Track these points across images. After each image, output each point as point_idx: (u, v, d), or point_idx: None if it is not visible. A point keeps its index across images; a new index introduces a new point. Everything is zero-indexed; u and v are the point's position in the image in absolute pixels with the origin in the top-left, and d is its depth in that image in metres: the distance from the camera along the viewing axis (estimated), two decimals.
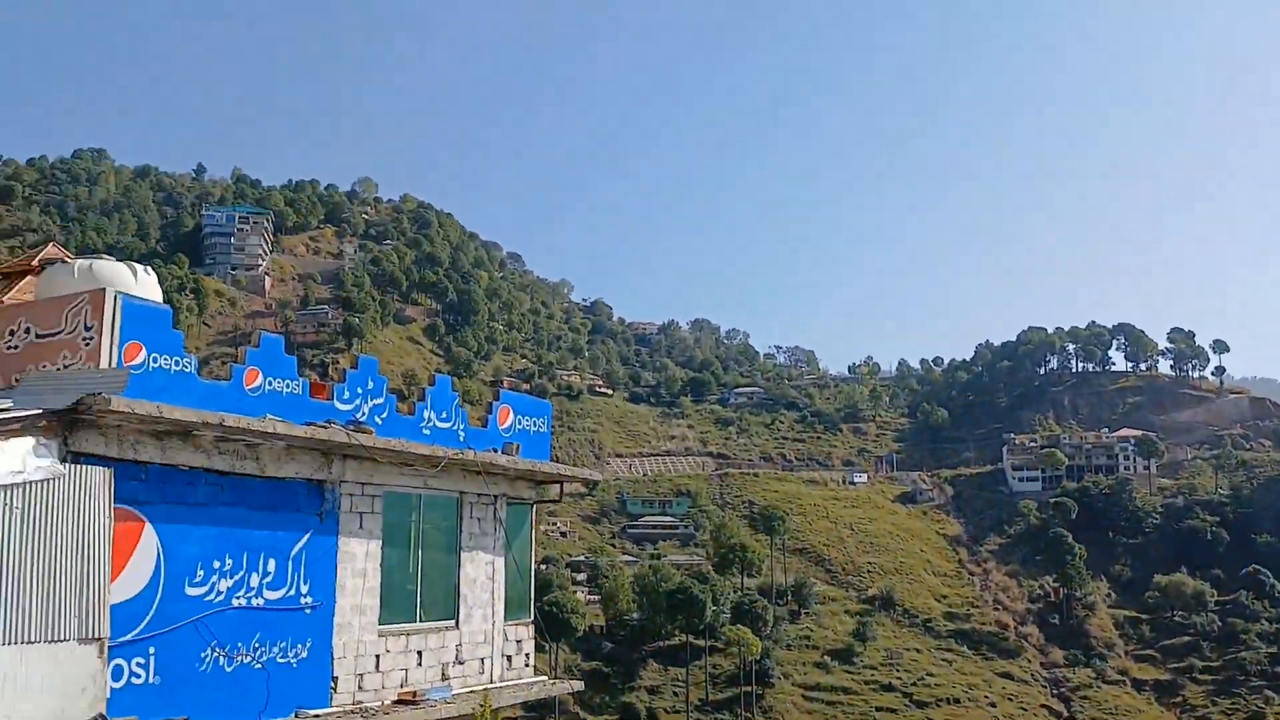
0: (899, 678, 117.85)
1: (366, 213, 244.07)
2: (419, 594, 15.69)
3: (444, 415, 16.62)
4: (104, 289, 11.61)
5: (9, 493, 9.94)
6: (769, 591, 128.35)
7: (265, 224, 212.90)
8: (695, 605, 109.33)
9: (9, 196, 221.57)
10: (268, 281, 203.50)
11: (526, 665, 18.03)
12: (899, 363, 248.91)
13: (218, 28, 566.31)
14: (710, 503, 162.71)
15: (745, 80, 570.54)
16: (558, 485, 20.42)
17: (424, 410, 16.36)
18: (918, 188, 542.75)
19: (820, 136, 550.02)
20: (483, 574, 17.07)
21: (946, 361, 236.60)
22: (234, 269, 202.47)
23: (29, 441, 10.34)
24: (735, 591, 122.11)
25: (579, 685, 19.40)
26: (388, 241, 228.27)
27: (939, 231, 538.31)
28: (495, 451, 17.04)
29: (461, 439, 16.72)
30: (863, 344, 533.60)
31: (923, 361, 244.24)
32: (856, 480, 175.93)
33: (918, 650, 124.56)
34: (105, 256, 13.88)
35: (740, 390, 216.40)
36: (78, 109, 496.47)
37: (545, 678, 18.68)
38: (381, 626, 14.71)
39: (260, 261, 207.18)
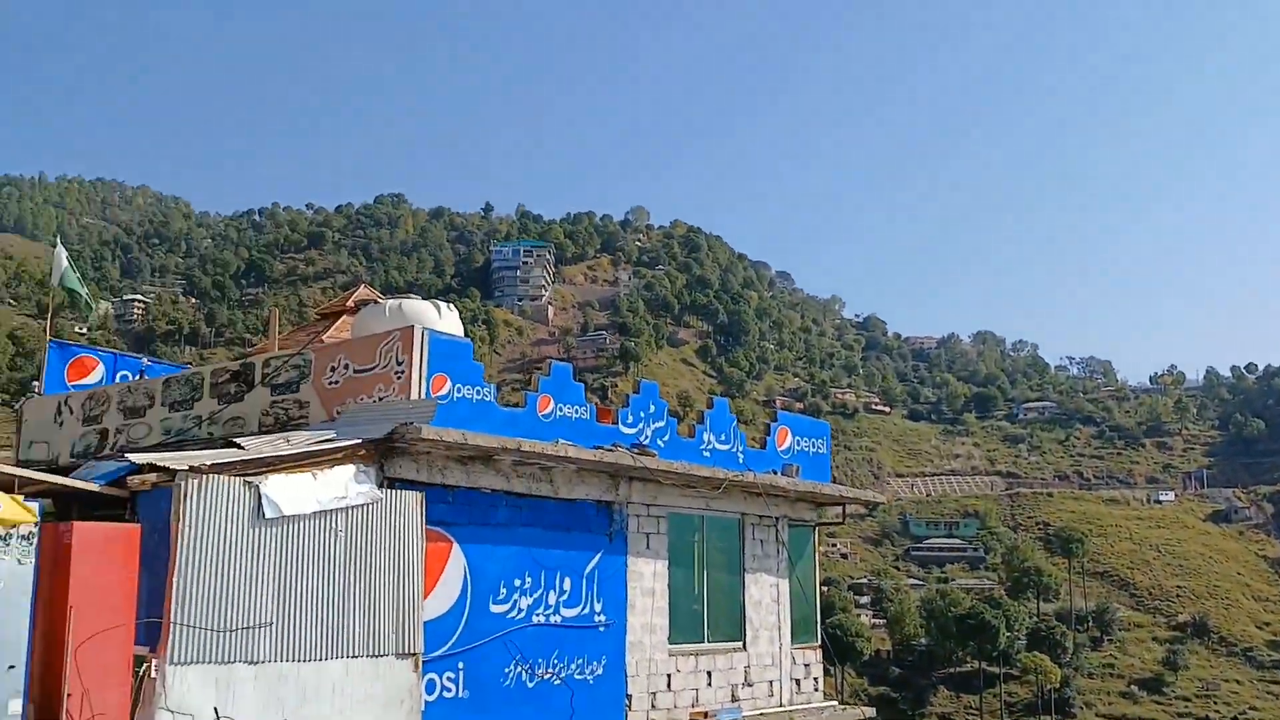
0: (1217, 710, 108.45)
1: (640, 240, 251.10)
2: (705, 614, 15.85)
3: (723, 437, 16.77)
4: (412, 326, 12.48)
5: (334, 517, 10.84)
6: (1068, 617, 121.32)
7: (547, 256, 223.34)
8: (988, 631, 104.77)
9: (320, 242, 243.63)
10: (550, 310, 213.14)
11: (816, 690, 17.84)
12: (1207, 371, 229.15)
13: (501, 78, 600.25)
14: (1000, 524, 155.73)
15: (1056, 88, 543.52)
16: (839, 507, 20.15)
17: (703, 432, 16.58)
18: (1239, 185, 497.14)
19: (1141, 139, 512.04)
20: (767, 596, 17.05)
21: (1261, 368, 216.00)
22: (520, 300, 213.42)
23: (350, 469, 11.23)
24: (1031, 617, 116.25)
25: (870, 712, 18.95)
26: (660, 267, 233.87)
27: (1251, 229, 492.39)
28: (775, 473, 17.01)
29: (741, 461, 16.80)
30: (1164, 352, 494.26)
31: (1234, 369, 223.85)
32: (1163, 499, 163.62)
33: (1238, 681, 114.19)
34: (412, 296, 14.94)
35: (1030, 405, 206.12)
36: (379, 158, 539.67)
37: (835, 702, 18.40)
38: (671, 646, 14.95)
39: (544, 292, 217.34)
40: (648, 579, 14.72)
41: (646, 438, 15.03)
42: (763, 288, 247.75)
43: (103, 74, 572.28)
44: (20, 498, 8.98)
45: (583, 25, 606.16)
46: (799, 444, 18.40)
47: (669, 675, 14.88)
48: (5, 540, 8.63)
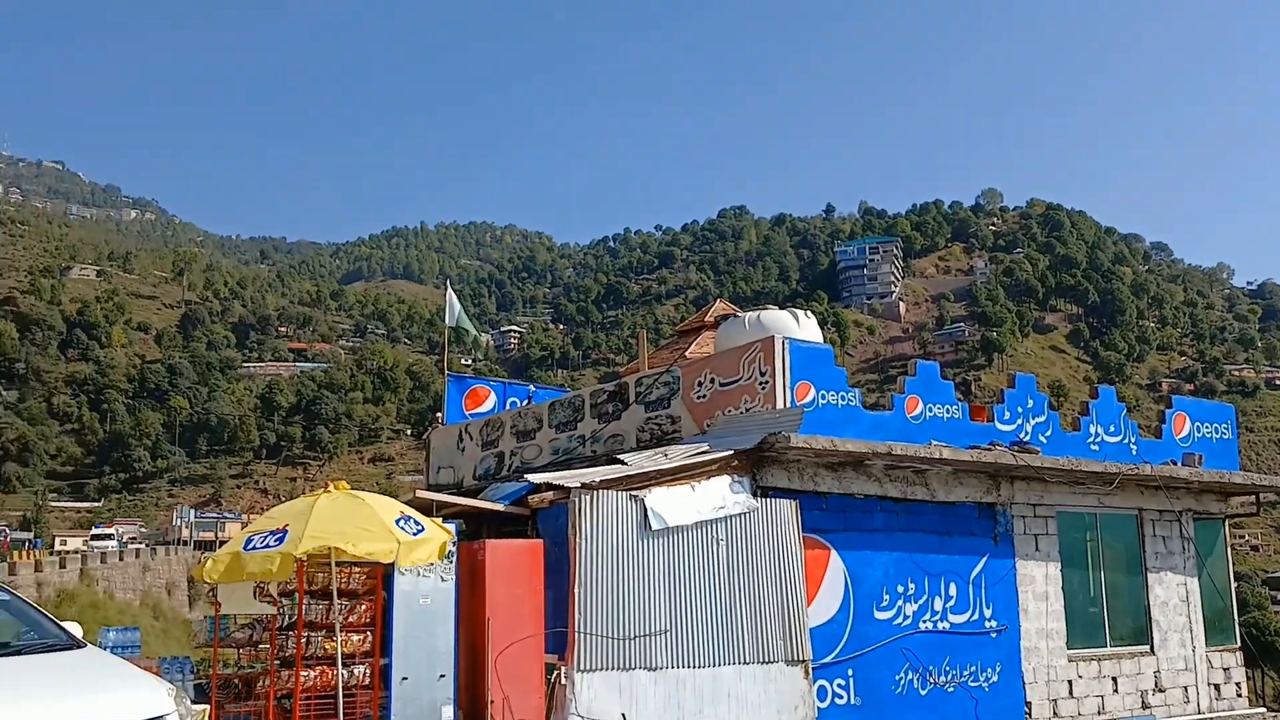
0: None
1: (994, 224, 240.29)
2: (1105, 617, 14.82)
3: (1112, 428, 15.62)
4: (773, 336, 12.58)
5: (715, 526, 11.12)
6: None
7: (895, 251, 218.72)
8: None
9: (671, 260, 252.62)
10: (902, 307, 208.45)
11: (1239, 695, 16.19)
12: None
13: (829, 75, 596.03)
14: None
15: None
16: (1249, 496, 18.18)
17: (1089, 424, 15.52)
18: None
19: None
20: (1174, 596, 15.68)
21: None
22: (869, 299, 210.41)
23: (726, 479, 11.48)
24: None
25: None
26: (1018, 250, 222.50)
27: None
28: (1174, 464, 15.63)
29: (1134, 453, 15.58)
30: None
31: None
32: None
33: None
34: (770, 307, 15.07)
35: None
36: (720, 173, 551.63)
37: (1264, 709, 16.61)
38: (1070, 651, 14.12)
39: (893, 288, 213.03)
40: (1039, 582, 13.98)
41: (1027, 434, 14.28)
42: (1137, 262, 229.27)
43: (472, 131, 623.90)
44: (439, 520, 9.89)
45: (917, 7, 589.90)
46: (1199, 430, 16.82)
47: (1070, 682, 14.04)
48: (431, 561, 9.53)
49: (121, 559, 56.48)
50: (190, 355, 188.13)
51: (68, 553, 62.35)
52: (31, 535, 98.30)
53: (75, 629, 7.36)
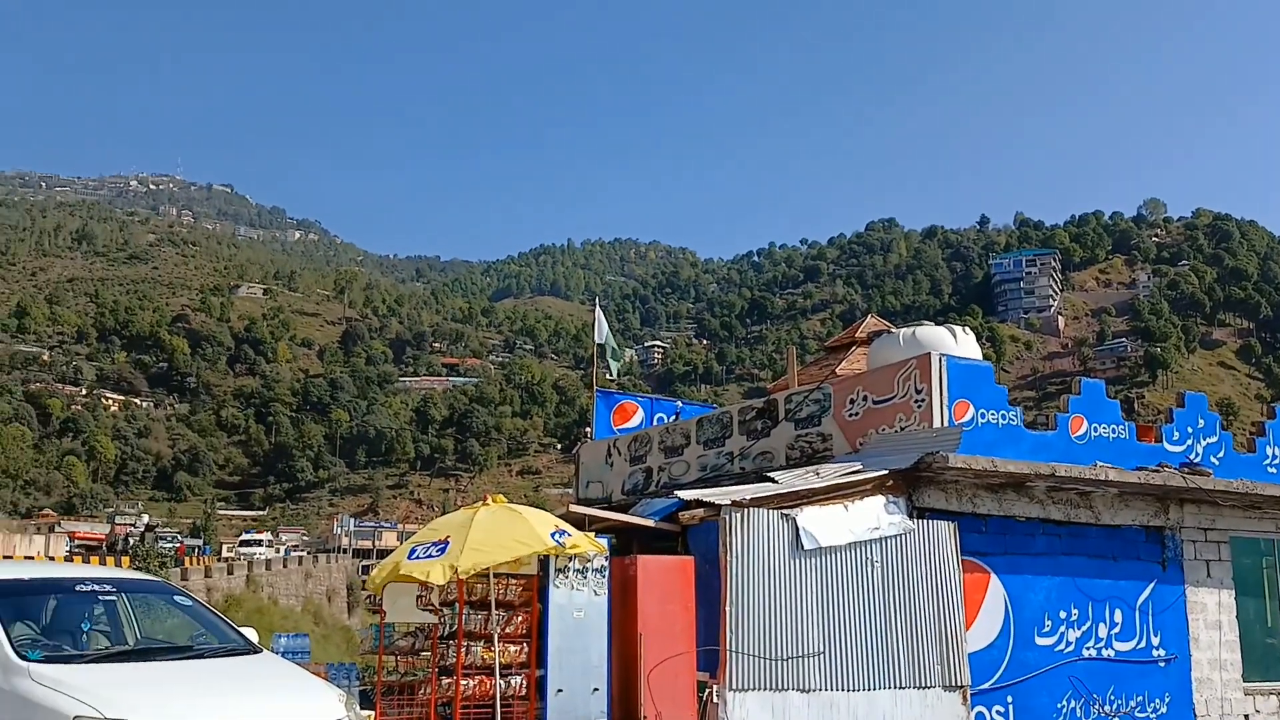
0: None
1: (1157, 235, 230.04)
2: None
3: None
4: (929, 353, 12.34)
5: (869, 548, 10.95)
6: None
7: (1053, 263, 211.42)
8: None
9: (816, 274, 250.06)
10: (1061, 321, 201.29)
11: None
12: None
13: (992, 88, 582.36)
14: None
15: None
16: None
17: (1265, 445, 14.73)
18: None
19: None
20: None
21: None
22: (1026, 313, 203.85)
23: (880, 500, 11.29)
24: None
25: None
26: (1183, 262, 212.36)
27: None
28: None
29: None
30: None
31: None
32: None
33: None
34: (924, 323, 14.78)
35: None
36: (868, 186, 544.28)
37: None
38: (1246, 684, 13.39)
39: (1051, 302, 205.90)
40: (1211, 610, 13.29)
41: (1197, 455, 13.63)
42: None
43: (616, 148, 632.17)
44: (591, 534, 10.03)
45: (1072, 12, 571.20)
46: None
47: (1245, 716, 13.31)
48: (583, 573, 9.67)
49: (285, 566, 58.94)
50: (350, 370, 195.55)
51: (234, 559, 65.46)
52: (201, 542, 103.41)
53: (252, 634, 7.71)
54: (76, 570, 8.07)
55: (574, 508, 11.69)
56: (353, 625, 59.58)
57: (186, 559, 61.70)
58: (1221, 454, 14.10)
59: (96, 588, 7.27)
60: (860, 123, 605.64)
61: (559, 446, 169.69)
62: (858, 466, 11.77)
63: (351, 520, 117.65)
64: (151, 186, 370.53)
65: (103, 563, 50.98)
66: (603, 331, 20.82)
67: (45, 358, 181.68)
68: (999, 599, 11.76)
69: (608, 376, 20.83)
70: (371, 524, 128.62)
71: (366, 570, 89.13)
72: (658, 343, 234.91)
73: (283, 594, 52.83)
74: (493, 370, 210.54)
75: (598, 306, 22.52)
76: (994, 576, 11.79)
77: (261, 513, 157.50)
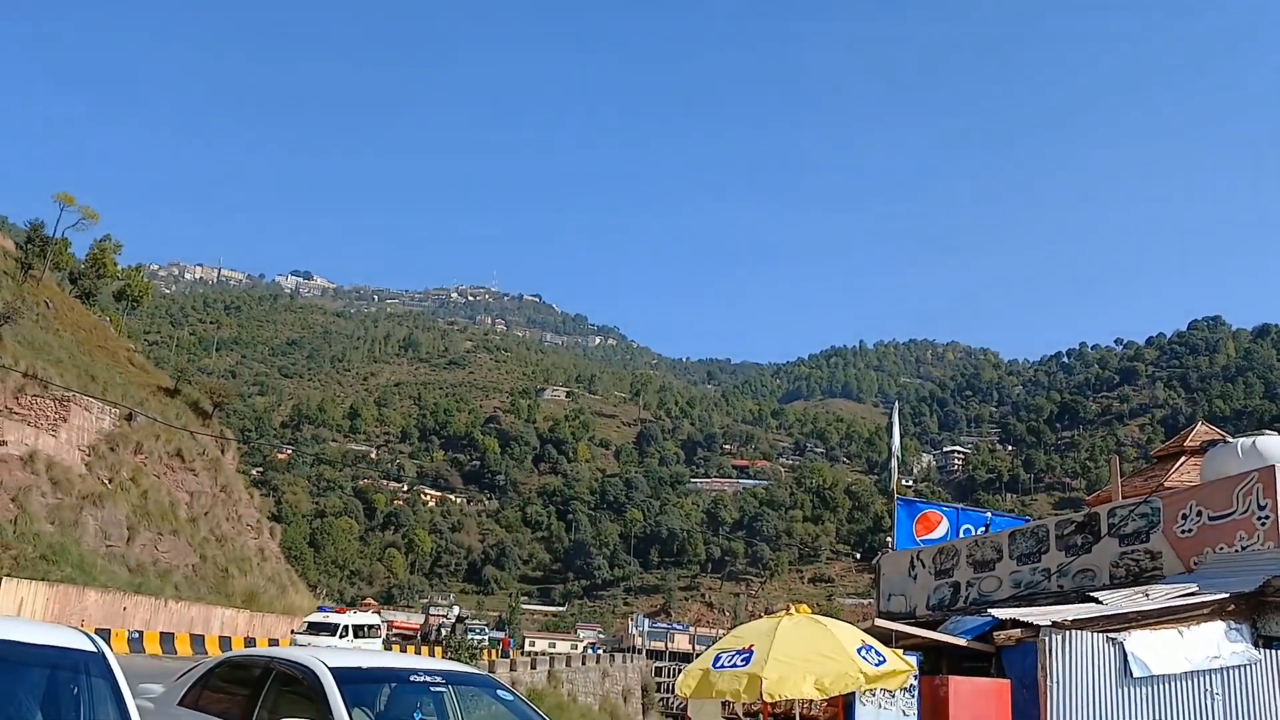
0: None
1: None
2: None
3: None
4: (1273, 465, 11.26)
5: (1209, 677, 9.98)
6: None
7: None
8: None
9: (1133, 377, 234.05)
10: None
11: None
12: None
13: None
14: None
15: None
16: None
17: None
18: None
19: None
20: None
21: None
22: None
23: (1220, 626, 10.31)
24: None
25: None
26: None
27: None
28: None
29: None
30: None
31: None
32: None
33: None
34: (1265, 432, 13.54)
35: None
36: (1194, 284, 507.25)
37: None
38: None
39: None
40: None
41: None
42: None
43: (907, 249, 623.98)
44: (899, 651, 9.70)
45: None
46: None
47: None
48: (891, 692, 9.35)
49: (584, 663, 60.37)
50: (644, 470, 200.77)
51: (537, 654, 67.76)
52: (506, 634, 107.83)
53: None
54: (410, 661, 8.63)
55: (879, 622, 11.37)
56: None
57: (491, 652, 64.43)
58: None
59: (428, 679, 7.71)
60: (1178, 211, 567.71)
61: (856, 555, 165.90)
62: (1193, 588, 10.82)
63: (646, 620, 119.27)
64: (470, 298, 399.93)
65: (418, 652, 54.17)
66: (896, 438, 20.46)
67: (373, 455, 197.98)
68: None
69: (905, 474, 20.32)
70: (664, 625, 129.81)
71: (660, 672, 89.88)
72: (958, 448, 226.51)
73: (581, 691, 53.99)
74: (783, 473, 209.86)
75: (895, 409, 22.14)
76: None
77: (561, 608, 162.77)
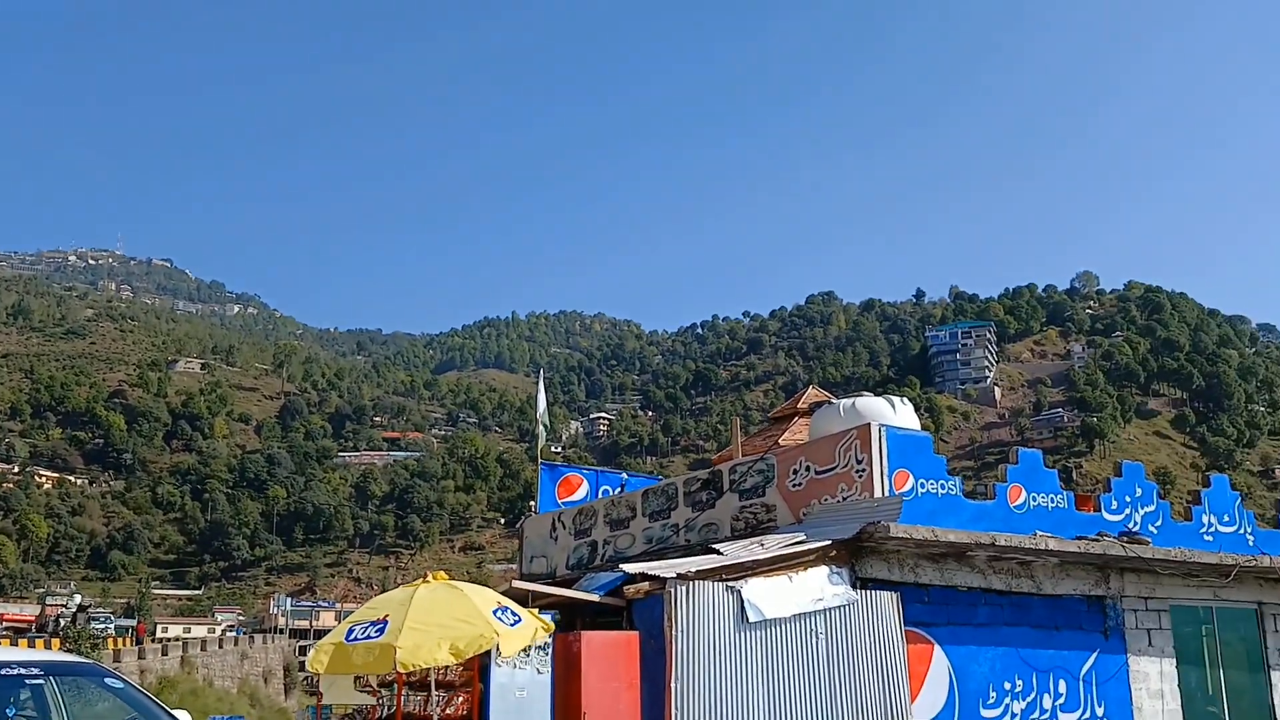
0: None
1: (1090, 307, 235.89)
2: (1226, 718, 14.10)
3: (1226, 518, 15.07)
4: (869, 423, 12.43)
5: (813, 619, 10.89)
6: None
7: (988, 336, 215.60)
8: None
9: (759, 346, 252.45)
10: (997, 392, 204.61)
11: None
12: None
13: (929, 161, 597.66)
14: None
15: None
16: None
17: (1201, 514, 15.00)
18: None
19: None
20: None
21: None
22: (962, 384, 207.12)
23: (824, 570, 11.26)
24: None
25: None
26: (1117, 333, 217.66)
27: None
28: None
29: (1251, 543, 14.96)
30: None
31: None
32: None
33: None
34: (864, 394, 14.92)
35: None
36: (806, 261, 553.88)
37: None
38: None
39: (987, 373, 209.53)
40: (1154, 679, 13.37)
41: (1135, 524, 13.83)
42: (1243, 344, 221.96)
43: (560, 222, 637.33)
44: (535, 610, 9.86)
45: (1005, 87, 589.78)
46: None
47: None
48: (525, 651, 9.48)
49: (220, 646, 57.27)
50: (288, 445, 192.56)
51: (170, 640, 63.47)
52: (135, 622, 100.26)
53: (185, 717, 7.46)
54: (1, 654, 7.76)
55: (516, 583, 11.50)
56: (290, 707, 57.92)
57: (118, 640, 59.75)
58: (1159, 523, 14.32)
59: (22, 670, 7.00)
60: (798, 196, 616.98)
61: (503, 521, 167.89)
62: (801, 537, 11.74)
63: (289, 600, 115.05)
64: (91, 261, 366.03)
65: (32, 645, 49.18)
66: (541, 404, 20.79)
67: None
68: (943, 670, 11.73)
69: (555, 442, 20.71)
70: (309, 603, 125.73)
71: (304, 650, 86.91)
72: (604, 415, 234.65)
73: (218, 675, 51.19)
74: (435, 444, 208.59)
75: (541, 379, 22.48)
76: (938, 647, 11.76)
77: (197, 591, 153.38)
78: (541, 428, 20.90)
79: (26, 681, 7.07)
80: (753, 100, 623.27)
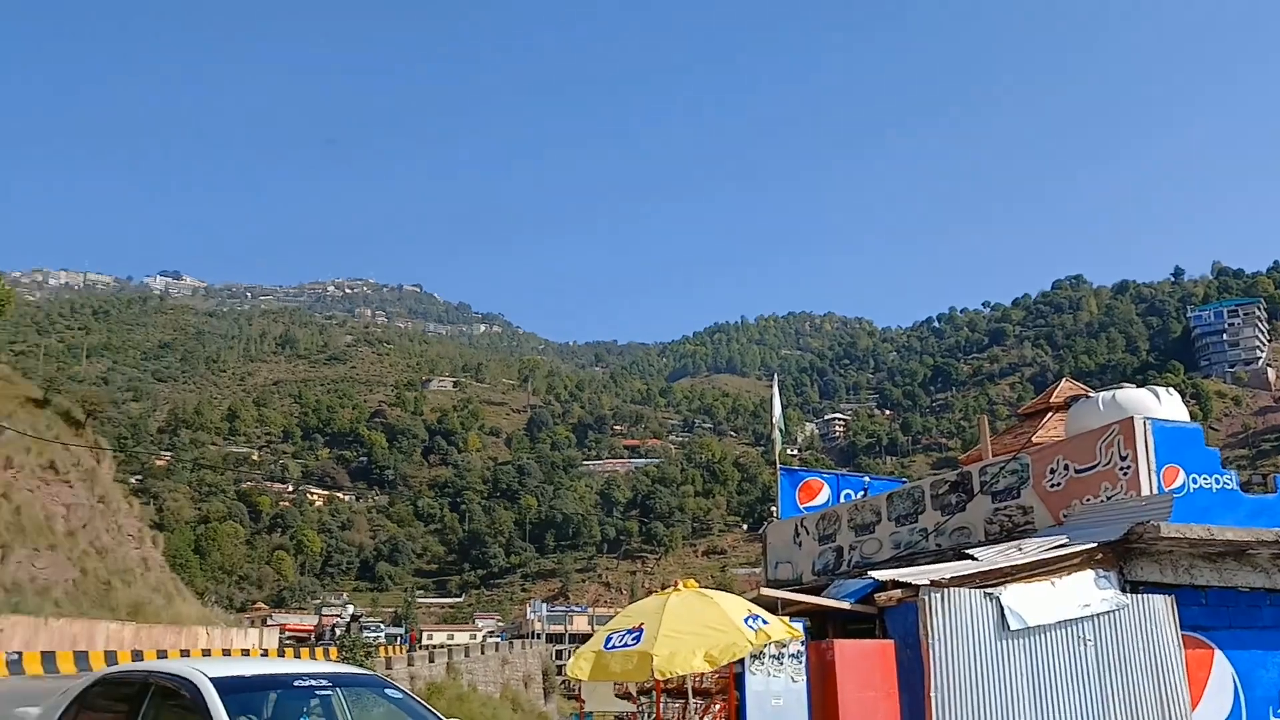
0: None
1: None
2: None
3: None
4: (1132, 417, 11.75)
5: (1080, 625, 10.38)
6: None
7: (1258, 313, 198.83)
8: None
9: (1002, 337, 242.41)
10: (1271, 373, 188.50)
11: None
12: None
13: (1192, 136, 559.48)
14: None
15: None
16: None
17: None
18: None
19: None
20: None
21: None
22: (1231, 367, 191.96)
23: (1089, 574, 10.73)
24: None
25: None
26: None
27: None
28: None
29: None
30: None
31: None
32: None
33: None
34: (1124, 385, 14.12)
35: None
36: (1051, 243, 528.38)
37: None
38: None
39: (1259, 353, 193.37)
40: None
41: None
42: None
43: (790, 225, 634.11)
44: (785, 619, 9.86)
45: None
46: None
47: None
48: (779, 659, 9.51)
49: (483, 652, 60.00)
50: (536, 456, 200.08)
51: (435, 647, 67.10)
52: (403, 630, 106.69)
53: None
54: (294, 666, 8.42)
55: (765, 591, 11.53)
56: (549, 712, 59.95)
57: (386, 647, 63.66)
58: None
59: (313, 683, 7.57)
60: (1040, 179, 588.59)
61: (744, 525, 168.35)
62: (1063, 540, 11.24)
63: (544, 605, 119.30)
64: (347, 290, 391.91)
65: (312, 654, 53.16)
66: (776, 409, 20.74)
67: (255, 457, 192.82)
68: (1226, 676, 10.93)
69: (776, 450, 20.59)
70: (563, 608, 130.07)
71: (560, 655, 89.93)
72: (839, 415, 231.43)
73: (481, 680, 53.62)
74: (673, 450, 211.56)
75: (775, 383, 22.44)
76: (1218, 652, 10.98)
77: (458, 599, 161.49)
78: (777, 433, 20.84)
79: (317, 692, 7.63)
80: (1014, 88, 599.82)
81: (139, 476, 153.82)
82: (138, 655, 38.23)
